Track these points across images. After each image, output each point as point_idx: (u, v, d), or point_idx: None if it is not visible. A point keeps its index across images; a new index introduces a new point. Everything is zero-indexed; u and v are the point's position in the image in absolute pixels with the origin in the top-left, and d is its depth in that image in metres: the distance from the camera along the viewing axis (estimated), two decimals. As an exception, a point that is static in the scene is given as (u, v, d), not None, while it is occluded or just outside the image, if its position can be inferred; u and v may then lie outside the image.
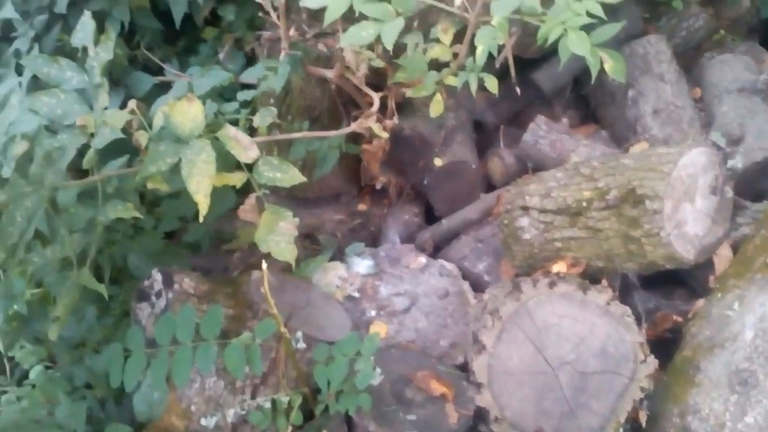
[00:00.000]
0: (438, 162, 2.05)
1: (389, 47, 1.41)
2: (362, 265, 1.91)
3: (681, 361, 1.56)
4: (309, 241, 2.03)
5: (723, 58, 2.24)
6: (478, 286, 1.92)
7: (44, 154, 1.18)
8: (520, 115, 2.34)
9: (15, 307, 1.44)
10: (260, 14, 1.83)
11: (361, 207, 2.24)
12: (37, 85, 1.94)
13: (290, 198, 2.03)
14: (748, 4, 2.48)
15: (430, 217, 2.21)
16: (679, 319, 1.67)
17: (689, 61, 2.38)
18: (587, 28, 1.42)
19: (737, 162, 1.89)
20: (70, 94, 1.31)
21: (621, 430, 1.42)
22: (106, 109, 1.29)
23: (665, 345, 1.64)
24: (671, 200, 1.54)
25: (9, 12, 1.98)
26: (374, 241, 2.16)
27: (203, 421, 1.33)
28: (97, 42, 1.33)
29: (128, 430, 1.52)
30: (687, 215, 1.57)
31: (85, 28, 1.34)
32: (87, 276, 1.22)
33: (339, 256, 1.97)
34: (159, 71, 2.25)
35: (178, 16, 2.10)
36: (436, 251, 2.10)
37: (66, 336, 1.47)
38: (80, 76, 1.32)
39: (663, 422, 1.50)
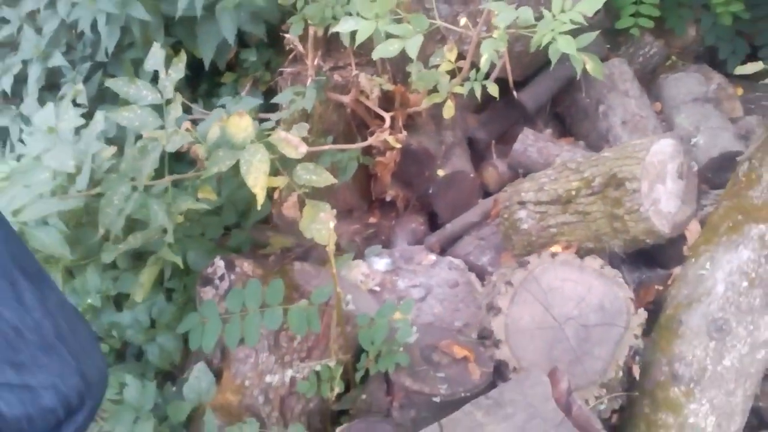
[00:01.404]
0: (441, 173, 2.34)
1: (414, 57, 1.68)
2: (381, 263, 2.16)
3: (665, 318, 1.80)
4: (331, 247, 2.27)
5: (677, 76, 2.60)
6: (482, 277, 2.17)
7: (140, 148, 1.43)
8: (506, 135, 2.66)
9: (89, 300, 1.65)
10: (290, 47, 2.13)
11: (372, 220, 2.50)
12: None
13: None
14: (694, 34, 2.88)
15: (434, 226, 2.48)
16: (660, 287, 1.93)
17: (647, 84, 2.73)
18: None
19: (697, 159, 2.21)
20: (145, 109, 1.57)
21: (620, 372, 1.65)
22: (178, 119, 1.56)
23: (649, 315, 1.89)
24: (647, 181, 1.82)
25: (59, 60, 2.26)
26: (386, 248, 2.41)
27: (268, 378, 1.53)
28: (168, 65, 1.60)
29: (189, 406, 1.70)
30: (661, 195, 1.85)
31: (155, 56, 1.62)
32: (168, 251, 1.43)
33: (359, 258, 2.21)
34: (184, 112, 2.53)
35: (207, 59, 2.39)
36: (442, 253, 2.35)
37: (140, 320, 1.67)
38: (154, 94, 1.58)
39: (654, 371, 1.73)
